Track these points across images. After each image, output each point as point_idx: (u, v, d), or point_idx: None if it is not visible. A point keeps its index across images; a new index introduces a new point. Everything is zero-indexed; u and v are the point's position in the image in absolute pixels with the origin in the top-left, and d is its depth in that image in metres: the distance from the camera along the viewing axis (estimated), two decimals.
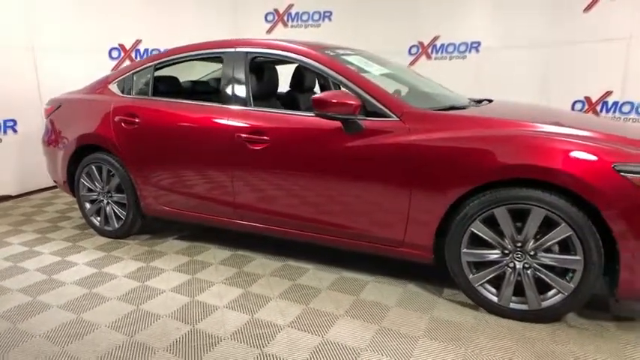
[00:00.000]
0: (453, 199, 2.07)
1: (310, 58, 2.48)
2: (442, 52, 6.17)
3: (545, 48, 5.33)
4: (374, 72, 2.64)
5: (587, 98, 5.12)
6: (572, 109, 5.22)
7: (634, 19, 4.74)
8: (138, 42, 5.35)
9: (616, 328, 2.02)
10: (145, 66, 3.06)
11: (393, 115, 2.22)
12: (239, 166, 2.59)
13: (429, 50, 6.23)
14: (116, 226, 3.20)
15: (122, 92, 3.10)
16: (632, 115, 4.82)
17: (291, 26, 6.41)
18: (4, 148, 4.31)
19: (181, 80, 3.41)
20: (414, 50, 6.30)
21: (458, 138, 2.07)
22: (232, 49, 2.73)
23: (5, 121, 4.31)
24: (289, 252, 2.89)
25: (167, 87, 3.11)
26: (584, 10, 5.01)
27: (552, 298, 2.00)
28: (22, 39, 4.38)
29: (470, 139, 2.05)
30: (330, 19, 6.41)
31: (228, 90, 2.68)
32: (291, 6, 6.36)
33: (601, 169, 1.82)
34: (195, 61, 3.08)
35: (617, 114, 4.92)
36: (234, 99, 2.65)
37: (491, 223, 2.05)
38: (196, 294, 2.40)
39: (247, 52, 2.68)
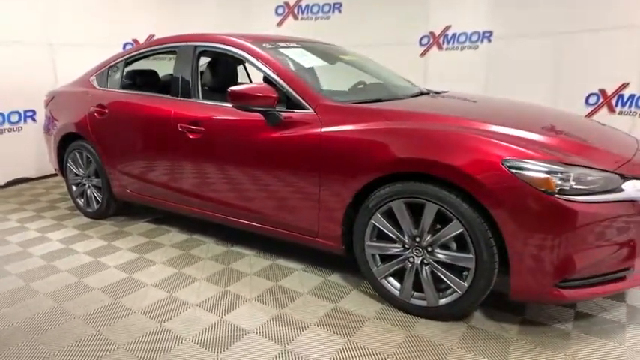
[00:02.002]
0: (355, 190, 2.08)
1: (242, 50, 2.57)
2: (454, 43, 5.96)
3: (558, 36, 5.00)
4: (307, 65, 2.67)
5: (602, 91, 4.75)
6: (587, 102, 4.87)
7: None
8: (151, 37, 5.67)
9: (517, 331, 1.93)
10: (117, 60, 3.30)
11: (309, 108, 2.26)
12: (181, 155, 2.74)
13: (441, 40, 6.03)
14: (95, 208, 3.49)
15: (99, 85, 3.37)
16: None
17: (301, 18, 6.48)
18: (25, 136, 4.79)
19: (161, 74, 3.62)
20: (424, 41, 6.13)
21: (362, 130, 2.07)
22: (184, 44, 2.88)
23: (26, 112, 4.79)
24: (236, 239, 3.01)
25: (135, 80, 3.32)
26: None
27: (449, 295, 1.96)
28: (41, 36, 4.83)
29: (373, 131, 2.04)
30: (339, 11, 6.40)
31: (178, 82, 2.83)
32: None
33: (490, 166, 1.74)
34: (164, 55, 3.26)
35: (634, 108, 4.52)
36: (182, 91, 2.80)
37: (394, 216, 2.03)
38: (134, 271, 2.60)
39: (195, 46, 2.81)
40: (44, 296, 2.34)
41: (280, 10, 6.49)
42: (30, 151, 4.86)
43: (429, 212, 1.91)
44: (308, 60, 2.74)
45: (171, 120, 2.74)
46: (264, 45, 2.61)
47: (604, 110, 4.78)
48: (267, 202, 2.44)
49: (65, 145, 3.58)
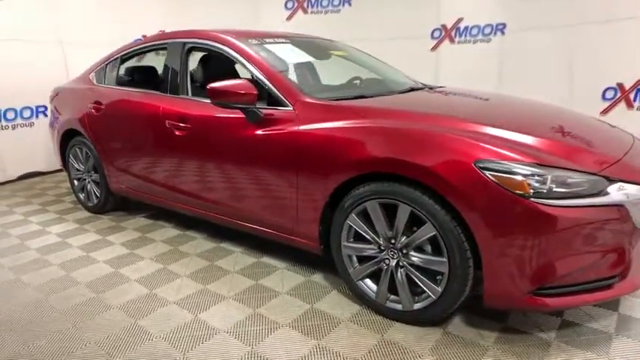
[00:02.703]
0: (330, 189, 2.03)
1: (225, 46, 2.54)
2: (466, 36, 5.79)
3: (574, 27, 4.77)
4: (294, 61, 2.62)
5: (620, 85, 4.51)
6: (603, 97, 4.63)
7: None
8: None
9: (495, 339, 1.85)
10: (114, 57, 3.34)
11: (289, 105, 2.21)
12: (169, 151, 2.75)
13: (453, 33, 5.87)
14: (95, 202, 3.56)
15: (97, 81, 3.42)
16: None
17: (311, 12, 6.42)
18: (36, 131, 4.93)
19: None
20: (436, 34, 5.98)
21: (337, 128, 2.01)
22: (173, 40, 2.87)
23: (37, 107, 4.93)
24: (226, 236, 3.01)
25: (130, 77, 3.35)
26: None
27: (424, 300, 1.89)
28: (52, 34, 4.95)
29: (348, 129, 1.98)
30: (349, 4, 6.30)
31: (168, 79, 2.83)
32: None
33: (461, 166, 1.66)
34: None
35: None
36: (171, 87, 2.80)
37: (370, 217, 1.97)
38: (121, 267, 2.63)
39: (184, 43, 2.80)
40: (31, 290, 2.39)
41: (290, 5, 6.44)
42: (41, 146, 5.00)
43: (403, 214, 1.84)
44: (295, 56, 2.69)
45: (160, 117, 2.75)
46: (249, 41, 2.58)
47: (621, 105, 4.54)
48: (248, 200, 2.42)
49: (67, 141, 3.66)
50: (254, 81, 2.34)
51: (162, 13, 5.79)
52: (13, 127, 4.75)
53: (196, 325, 2.02)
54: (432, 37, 6.01)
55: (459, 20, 5.79)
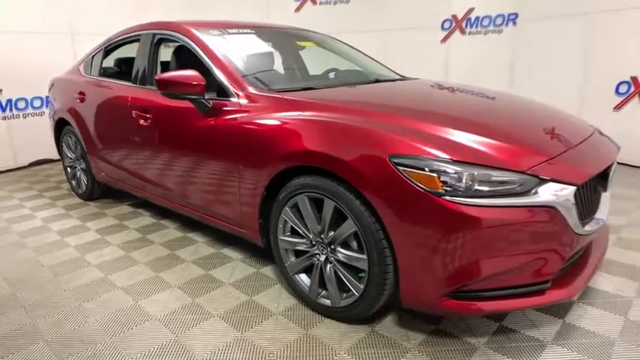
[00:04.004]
0: (266, 181, 2.01)
1: (184, 35, 2.56)
2: (477, 26, 5.56)
3: (588, 16, 4.47)
4: (249, 52, 2.60)
5: (634, 79, 4.20)
6: (617, 92, 4.33)
7: None
8: None
9: (420, 341, 1.78)
10: (99, 49, 3.44)
11: (234, 96, 2.20)
12: (137, 140, 2.81)
13: (463, 24, 5.64)
14: (84, 189, 3.70)
15: (84, 72, 3.54)
16: None
17: (320, 3, 6.35)
18: (46, 120, 5.15)
19: None
20: (447, 25, 5.78)
21: (272, 120, 1.99)
22: (145, 32, 2.92)
23: (47, 97, 5.13)
24: (196, 227, 3.05)
25: (111, 67, 3.44)
26: None
27: (350, 297, 1.85)
28: (63, 26, 5.17)
29: (281, 122, 1.95)
30: None
31: (137, 70, 2.89)
32: None
33: (376, 161, 1.60)
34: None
35: None
36: (140, 78, 2.86)
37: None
38: (87, 252, 2.72)
39: (154, 34, 2.84)
40: (11, 264, 2.54)
41: None
42: (50, 134, 5.24)
43: (328, 208, 1.80)
44: (254, 47, 2.67)
45: (129, 107, 2.81)
46: (210, 31, 2.58)
47: (635, 101, 4.22)
48: (201, 192, 2.44)
49: (61, 130, 3.82)
50: (208, 71, 2.34)
51: (170, 5, 5.90)
52: (24, 116, 5.01)
53: (133, 311, 2.07)
54: (443, 28, 5.81)
55: (470, 10, 5.56)
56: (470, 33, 5.65)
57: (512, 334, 1.81)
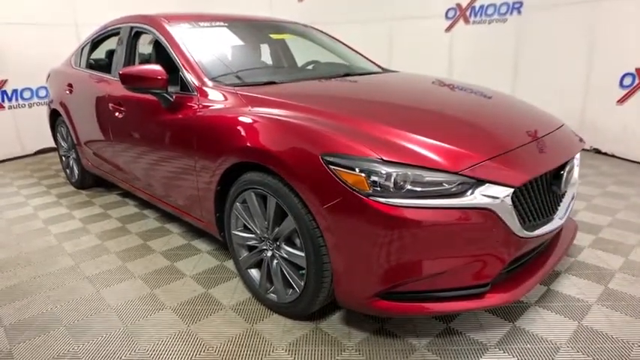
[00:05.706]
0: (218, 176, 2.02)
1: (153, 28, 2.57)
2: (481, 15, 5.38)
3: (593, 3, 4.25)
4: (218, 46, 2.60)
5: (639, 71, 3.99)
6: (621, 84, 4.13)
7: None
8: None
9: (360, 340, 1.77)
10: (86, 42, 3.50)
11: (194, 90, 2.21)
12: (113, 132, 2.87)
13: (468, 13, 5.47)
14: (76, 178, 3.82)
15: (75, 64, 3.61)
16: None
17: None
18: None
19: None
20: (451, 14, 5.62)
21: (226, 115, 1.99)
22: (125, 25, 2.95)
23: None
24: (175, 218, 3.09)
25: (96, 59, 3.49)
26: None
27: (294, 294, 1.85)
28: (68, 17, 5.28)
29: (233, 117, 1.95)
30: None
31: (115, 62, 2.94)
32: None
33: (309, 158, 1.58)
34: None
35: None
36: (117, 71, 2.89)
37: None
38: (66, 240, 2.81)
39: (132, 27, 2.87)
40: None
41: None
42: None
43: (271, 205, 1.80)
44: (223, 40, 2.66)
45: (106, 99, 2.87)
46: (181, 24, 2.59)
47: (639, 94, 4.02)
48: (166, 184, 2.48)
49: (55, 119, 3.93)
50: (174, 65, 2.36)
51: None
52: (30, 106, 5.17)
53: (93, 300, 2.13)
54: (447, 17, 5.65)
55: None
56: (474, 22, 5.48)
57: (457, 336, 1.78)
